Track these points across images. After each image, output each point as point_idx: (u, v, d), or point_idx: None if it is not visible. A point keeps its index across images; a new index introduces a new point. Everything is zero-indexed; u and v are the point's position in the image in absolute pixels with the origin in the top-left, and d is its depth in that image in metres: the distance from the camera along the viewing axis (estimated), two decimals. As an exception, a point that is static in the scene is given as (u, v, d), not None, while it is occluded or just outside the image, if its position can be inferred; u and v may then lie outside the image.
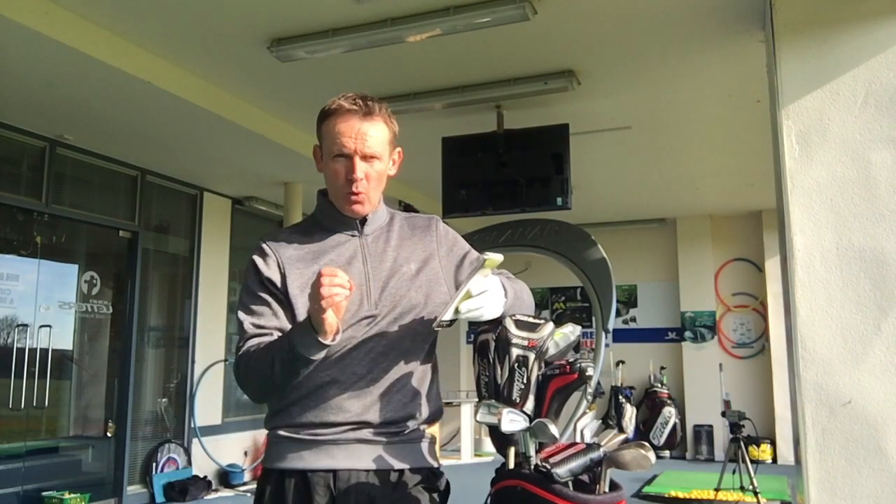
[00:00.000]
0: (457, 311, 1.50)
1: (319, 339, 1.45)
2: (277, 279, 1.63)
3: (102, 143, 5.87)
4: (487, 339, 1.55)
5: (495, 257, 1.50)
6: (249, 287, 1.65)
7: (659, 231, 9.77)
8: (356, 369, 1.58)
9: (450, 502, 1.71)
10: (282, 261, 1.64)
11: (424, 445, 1.66)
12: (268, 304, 1.62)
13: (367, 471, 1.57)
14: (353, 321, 1.58)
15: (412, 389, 1.64)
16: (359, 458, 1.57)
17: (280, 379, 1.53)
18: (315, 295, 1.41)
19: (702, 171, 7.27)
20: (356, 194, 1.63)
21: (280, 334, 1.59)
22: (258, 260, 1.65)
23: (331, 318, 1.44)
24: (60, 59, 4.15)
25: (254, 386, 1.62)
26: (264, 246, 1.67)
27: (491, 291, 1.53)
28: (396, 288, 1.63)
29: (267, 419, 1.66)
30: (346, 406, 1.57)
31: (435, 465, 1.67)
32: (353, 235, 1.68)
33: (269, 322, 1.61)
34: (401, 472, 1.60)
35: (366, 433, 1.58)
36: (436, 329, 1.56)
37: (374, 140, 1.61)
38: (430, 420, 1.68)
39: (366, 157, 1.61)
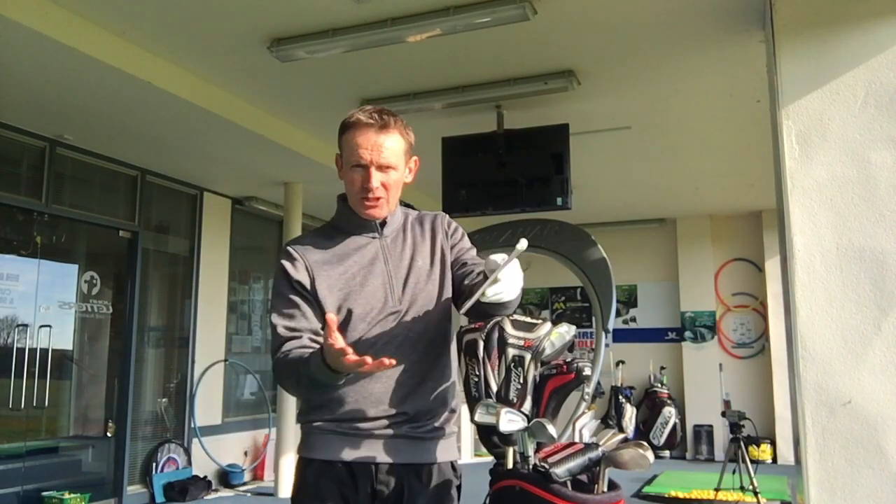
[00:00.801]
0: (483, 294, 1.56)
1: (338, 376, 1.54)
2: (307, 281, 1.73)
3: (102, 143, 5.87)
4: (475, 338, 1.56)
5: (524, 245, 1.56)
6: (280, 291, 1.76)
7: (659, 231, 9.77)
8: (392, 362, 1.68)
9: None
10: (309, 264, 1.75)
11: (452, 440, 1.79)
12: (298, 307, 1.72)
13: (406, 465, 1.70)
14: (381, 317, 1.72)
15: (440, 378, 1.76)
16: (398, 453, 1.69)
17: (310, 393, 1.72)
18: (347, 363, 1.45)
19: (702, 171, 7.27)
20: (371, 200, 1.74)
21: (311, 335, 1.70)
22: (287, 264, 1.75)
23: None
24: (60, 59, 4.15)
25: (294, 392, 1.81)
26: (291, 251, 1.78)
27: (513, 274, 1.59)
28: (415, 283, 1.76)
29: (304, 413, 1.77)
30: (384, 398, 1.69)
31: (457, 458, 1.81)
32: (373, 238, 1.80)
33: (300, 324, 1.71)
34: (432, 465, 1.73)
35: (404, 428, 1.70)
36: (460, 310, 1.65)
37: (389, 151, 1.73)
38: (455, 408, 1.81)
39: (381, 168, 1.73)
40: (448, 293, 1.80)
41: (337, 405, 1.70)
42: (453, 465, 1.78)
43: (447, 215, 1.91)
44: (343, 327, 1.69)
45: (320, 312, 1.71)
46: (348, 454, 1.69)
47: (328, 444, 1.71)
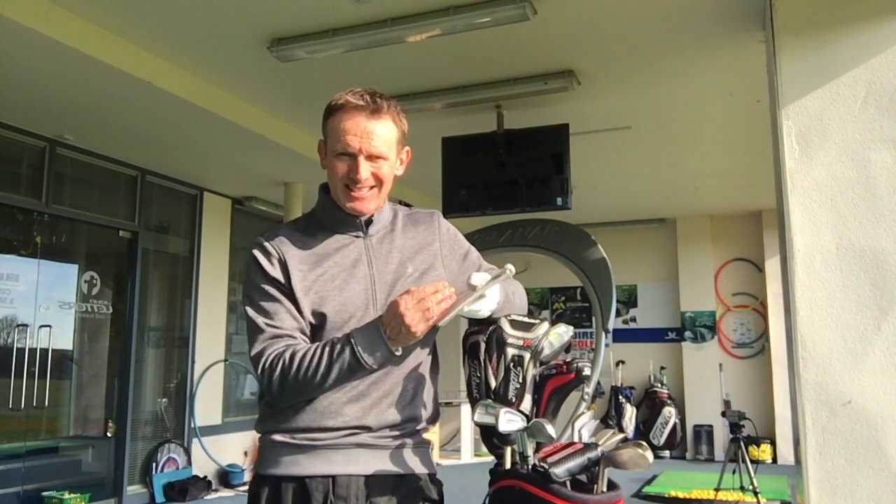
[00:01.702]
0: (460, 309, 1.52)
1: (392, 349, 1.45)
2: (282, 278, 1.56)
3: (102, 143, 5.87)
4: (478, 339, 1.55)
5: (511, 271, 1.56)
6: (256, 284, 1.57)
7: (659, 231, 9.77)
8: None
9: (450, 502, 1.70)
10: (285, 260, 1.57)
11: (422, 451, 1.63)
12: (280, 303, 1.55)
13: (367, 476, 1.53)
14: (359, 326, 1.53)
15: (412, 392, 1.59)
16: (357, 464, 1.53)
17: (329, 385, 1.49)
18: (421, 313, 1.42)
19: (702, 171, 7.27)
20: (358, 193, 1.57)
21: (301, 335, 1.54)
22: (261, 258, 1.58)
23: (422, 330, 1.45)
24: (60, 60, 4.15)
25: (291, 392, 1.52)
26: (266, 244, 1.59)
27: (492, 293, 1.56)
28: (401, 292, 1.54)
29: (260, 422, 1.61)
30: (345, 411, 1.53)
31: (433, 471, 1.64)
32: (357, 237, 1.62)
33: (286, 322, 1.54)
34: (400, 477, 1.56)
35: (365, 437, 1.54)
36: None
37: (380, 139, 1.55)
38: (429, 423, 1.65)
39: (371, 157, 1.55)
40: None
41: (293, 415, 1.54)
42: (429, 478, 1.62)
43: (441, 215, 1.76)
44: (316, 333, 1.56)
45: (298, 312, 1.56)
46: (302, 468, 1.52)
47: (281, 457, 1.54)
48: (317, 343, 1.51)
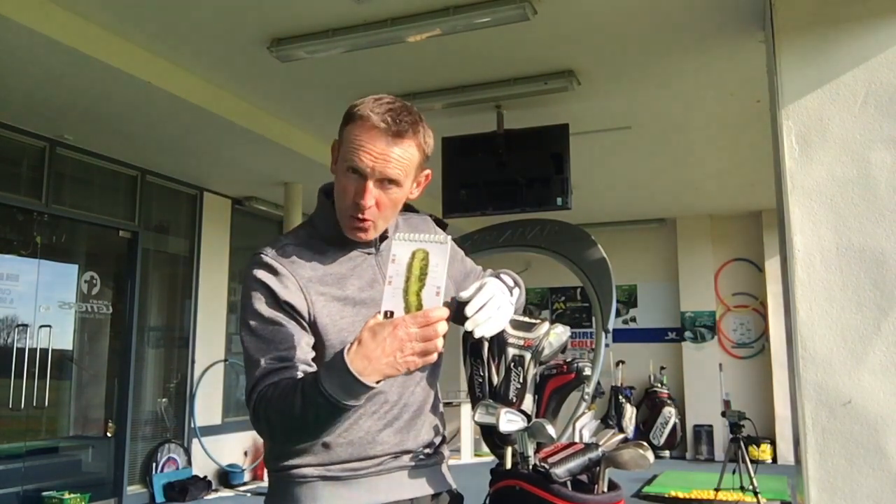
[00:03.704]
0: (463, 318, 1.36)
1: (365, 382, 1.19)
2: (301, 304, 1.38)
3: (102, 143, 5.87)
4: (480, 339, 1.54)
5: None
6: (257, 310, 1.37)
7: (659, 231, 9.77)
8: (388, 397, 1.45)
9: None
10: (302, 283, 1.40)
11: (446, 467, 1.59)
12: (288, 330, 1.37)
13: (411, 500, 1.47)
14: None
15: (433, 406, 1.56)
16: (401, 488, 1.46)
17: (318, 431, 1.33)
18: (412, 353, 1.19)
19: (702, 171, 7.27)
20: (361, 221, 1.41)
21: (304, 367, 1.36)
22: (268, 278, 1.38)
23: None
24: (60, 59, 4.15)
25: (283, 435, 1.37)
26: (272, 263, 1.40)
27: (493, 300, 1.35)
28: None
29: (278, 457, 1.45)
30: (383, 438, 1.45)
31: (454, 485, 1.61)
32: (368, 253, 1.49)
33: (288, 353, 1.35)
34: (435, 496, 1.52)
35: (405, 459, 1.48)
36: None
37: (397, 164, 1.38)
38: (445, 434, 1.62)
39: (382, 181, 1.39)
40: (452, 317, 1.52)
41: (323, 451, 1.42)
42: (451, 494, 1.57)
43: (432, 220, 1.68)
44: None
45: (320, 345, 1.39)
46: (346, 501, 1.41)
47: (319, 491, 1.41)
48: (292, 382, 1.31)
